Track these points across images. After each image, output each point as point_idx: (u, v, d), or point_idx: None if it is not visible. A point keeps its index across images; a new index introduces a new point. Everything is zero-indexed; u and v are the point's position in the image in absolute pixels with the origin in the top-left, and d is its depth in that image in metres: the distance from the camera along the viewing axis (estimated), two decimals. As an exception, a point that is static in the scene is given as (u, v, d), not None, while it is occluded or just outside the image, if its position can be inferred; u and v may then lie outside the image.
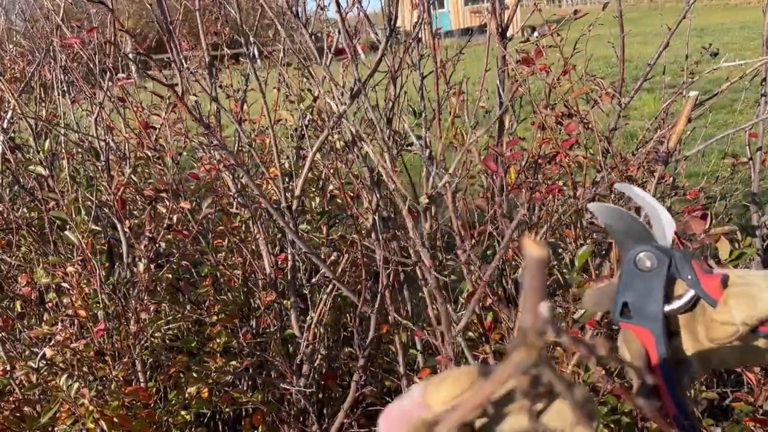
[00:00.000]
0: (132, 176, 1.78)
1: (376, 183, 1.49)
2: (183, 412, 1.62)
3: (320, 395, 1.79)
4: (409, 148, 1.67)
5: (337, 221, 1.95)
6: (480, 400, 0.31)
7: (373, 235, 1.54)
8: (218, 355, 1.71)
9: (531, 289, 0.25)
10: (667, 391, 0.48)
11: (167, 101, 1.94)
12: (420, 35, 1.55)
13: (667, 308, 0.50)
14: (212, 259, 1.76)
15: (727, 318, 0.47)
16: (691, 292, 0.49)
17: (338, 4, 1.26)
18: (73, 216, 1.53)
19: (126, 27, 1.22)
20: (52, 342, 1.43)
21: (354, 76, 1.26)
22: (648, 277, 0.50)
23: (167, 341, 1.79)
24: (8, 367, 1.40)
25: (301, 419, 1.70)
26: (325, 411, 1.81)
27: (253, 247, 1.76)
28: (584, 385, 1.24)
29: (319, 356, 1.72)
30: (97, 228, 1.70)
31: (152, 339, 1.65)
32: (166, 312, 1.74)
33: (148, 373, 1.68)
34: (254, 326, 1.81)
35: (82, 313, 1.49)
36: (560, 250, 1.51)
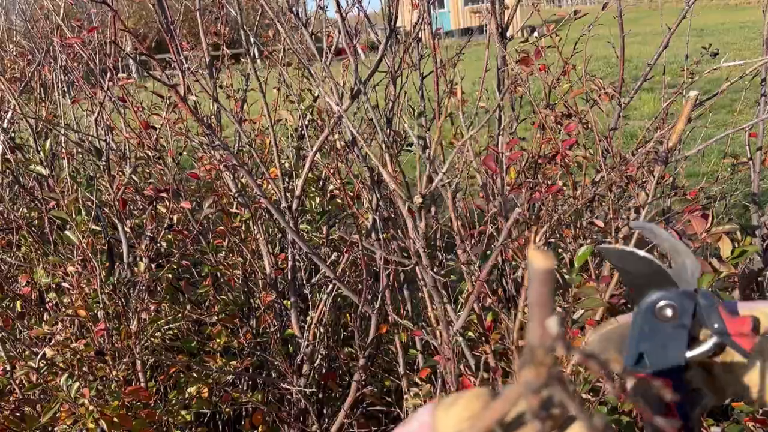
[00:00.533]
0: (132, 176, 1.78)
1: (376, 183, 1.49)
2: (183, 412, 1.62)
3: (320, 395, 1.79)
4: (409, 148, 1.67)
5: (337, 221, 1.95)
6: (489, 423, 0.28)
7: (373, 235, 1.54)
8: (218, 355, 1.71)
9: (537, 303, 0.23)
10: (682, 424, 0.46)
11: (168, 101, 1.94)
12: (420, 35, 1.55)
13: (689, 354, 0.46)
14: (212, 259, 1.76)
15: (761, 373, 0.44)
16: (716, 338, 0.45)
17: (338, 4, 1.26)
18: (74, 216, 1.53)
19: (127, 27, 1.22)
20: (52, 342, 1.43)
21: (354, 76, 1.26)
22: (668, 327, 0.46)
23: (167, 341, 1.79)
24: (8, 367, 1.40)
25: (301, 419, 1.70)
26: (325, 411, 1.81)
27: (253, 247, 1.76)
28: (585, 383, 1.24)
29: (319, 356, 1.72)
30: (97, 228, 1.71)
31: (152, 339, 1.65)
32: (166, 312, 1.74)
33: (148, 373, 1.68)
34: (254, 326, 1.82)
35: (82, 313, 1.49)
36: (560, 250, 1.51)
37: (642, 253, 0.48)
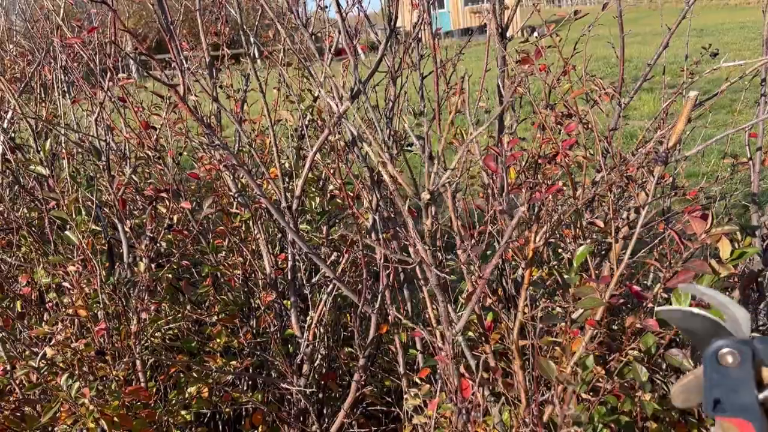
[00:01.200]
0: (132, 176, 1.78)
1: (376, 183, 1.49)
2: (183, 412, 1.63)
3: (320, 395, 1.79)
4: (409, 148, 1.67)
5: (337, 221, 1.95)
6: None
7: (373, 235, 1.54)
8: (218, 355, 1.71)
9: None
10: None
11: (167, 101, 1.94)
12: (420, 35, 1.55)
13: (761, 396, 0.51)
14: (212, 259, 1.76)
15: None
16: None
17: (338, 5, 1.26)
18: (74, 216, 1.53)
19: (126, 27, 1.22)
20: (53, 342, 1.43)
21: (354, 77, 1.26)
22: (734, 372, 0.51)
23: (167, 341, 1.79)
24: (8, 367, 1.40)
25: (301, 419, 1.70)
26: (325, 411, 1.81)
27: (253, 247, 1.76)
28: (583, 383, 1.24)
29: (319, 356, 1.72)
30: (97, 228, 1.71)
31: (152, 339, 1.65)
32: (166, 312, 1.74)
33: (149, 372, 1.68)
34: (254, 326, 1.82)
35: (83, 312, 1.49)
36: (560, 250, 1.51)
37: (697, 310, 0.54)
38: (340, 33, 1.34)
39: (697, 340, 0.55)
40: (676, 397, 0.57)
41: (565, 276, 1.21)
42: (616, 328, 1.45)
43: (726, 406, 0.52)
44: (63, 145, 2.04)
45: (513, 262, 1.47)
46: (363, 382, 1.55)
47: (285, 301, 1.70)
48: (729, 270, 1.00)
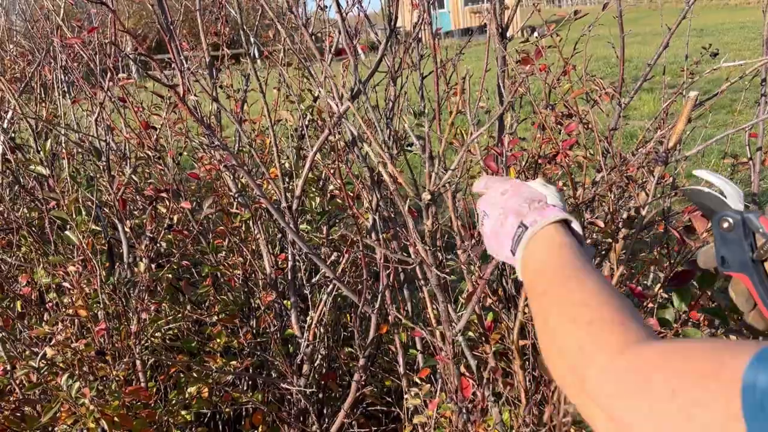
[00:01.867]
0: (132, 176, 1.78)
1: (376, 183, 1.49)
2: (183, 412, 1.63)
3: (320, 395, 1.79)
4: (409, 148, 1.67)
5: (337, 221, 1.95)
6: None
7: (373, 235, 1.54)
8: (218, 355, 1.71)
9: None
10: (763, 304, 0.65)
11: (167, 101, 1.94)
12: (420, 35, 1.55)
13: (753, 255, 0.64)
14: (212, 259, 1.76)
15: None
16: (764, 239, 0.63)
17: (338, 5, 1.26)
18: (74, 216, 1.53)
19: (126, 27, 1.22)
20: (53, 342, 1.43)
21: (354, 77, 1.26)
22: (730, 236, 0.66)
23: (167, 341, 1.79)
24: (8, 367, 1.40)
25: (301, 419, 1.70)
26: (325, 411, 1.81)
27: (253, 247, 1.76)
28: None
29: (319, 356, 1.72)
30: (97, 228, 1.71)
31: (152, 339, 1.65)
32: (166, 312, 1.74)
33: (149, 373, 1.68)
34: (254, 326, 1.82)
35: (83, 312, 1.49)
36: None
37: (707, 189, 0.70)
38: (340, 33, 1.34)
39: (709, 211, 0.69)
40: (700, 260, 0.73)
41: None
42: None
43: (731, 263, 0.66)
44: (63, 145, 2.04)
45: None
46: (363, 382, 1.55)
47: (285, 301, 1.70)
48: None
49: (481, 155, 1.35)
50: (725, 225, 0.66)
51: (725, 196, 0.69)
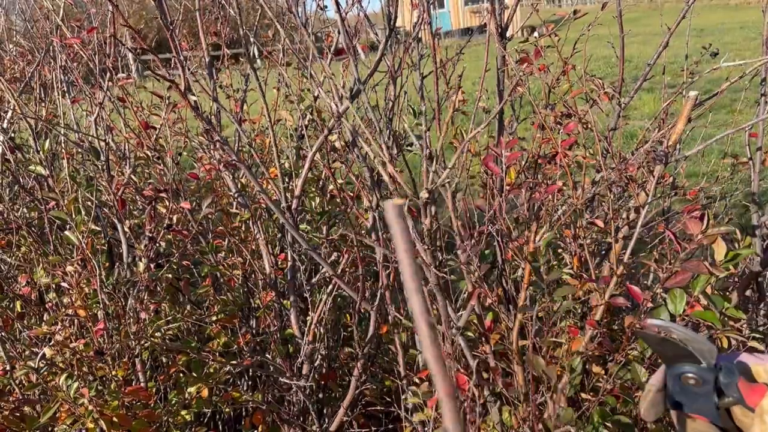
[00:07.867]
0: (132, 176, 1.78)
1: (376, 183, 1.49)
2: (183, 412, 1.62)
3: (320, 395, 1.79)
4: (409, 148, 1.67)
5: (337, 221, 1.95)
6: None
7: (373, 235, 1.54)
8: (218, 355, 1.71)
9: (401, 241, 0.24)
10: None
11: (167, 101, 1.94)
12: (420, 35, 1.55)
13: (718, 402, 0.60)
14: (212, 259, 1.76)
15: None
16: (733, 400, 0.60)
17: (338, 5, 1.26)
18: (73, 216, 1.53)
19: (127, 22, 1.22)
20: (52, 342, 1.43)
21: (354, 77, 1.26)
22: (696, 391, 0.62)
23: (167, 341, 1.79)
24: (8, 367, 1.40)
25: (302, 419, 1.70)
26: (325, 410, 1.81)
27: (253, 247, 1.76)
28: (575, 386, 1.24)
29: (319, 356, 1.72)
30: (97, 228, 1.70)
31: (152, 339, 1.65)
32: (166, 312, 1.74)
33: (148, 373, 1.68)
34: (254, 326, 1.81)
35: (82, 312, 1.49)
36: (560, 250, 1.51)
37: (670, 337, 0.63)
38: (339, 33, 1.34)
39: (666, 357, 0.64)
40: (647, 414, 0.65)
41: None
42: (616, 328, 1.45)
43: (687, 408, 0.62)
44: (63, 145, 2.04)
45: (513, 262, 1.47)
46: (363, 380, 1.55)
47: (285, 301, 1.70)
48: (722, 272, 0.99)
49: (480, 155, 1.35)
50: (690, 382, 0.61)
51: (690, 347, 0.62)
